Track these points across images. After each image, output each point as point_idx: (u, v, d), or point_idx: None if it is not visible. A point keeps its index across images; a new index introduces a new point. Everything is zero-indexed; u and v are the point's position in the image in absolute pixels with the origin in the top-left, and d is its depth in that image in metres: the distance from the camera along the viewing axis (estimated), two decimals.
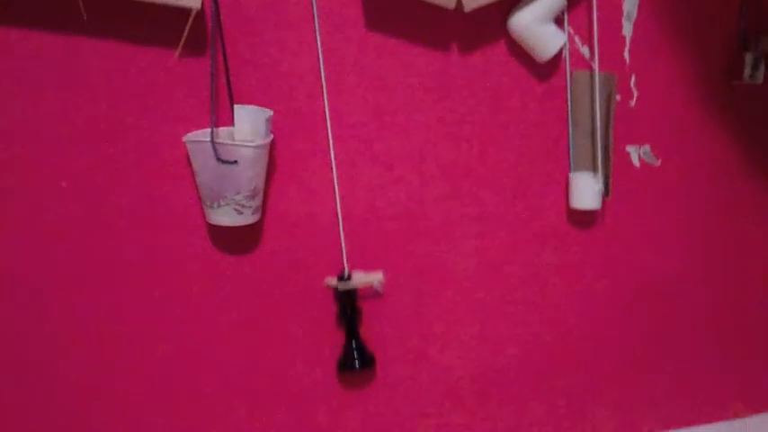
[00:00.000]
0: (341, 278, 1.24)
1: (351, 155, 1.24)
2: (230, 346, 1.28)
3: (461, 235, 1.30)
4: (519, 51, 1.24)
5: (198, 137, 1.18)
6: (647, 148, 1.31)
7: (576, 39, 1.25)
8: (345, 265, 1.26)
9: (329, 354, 1.31)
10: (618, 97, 1.28)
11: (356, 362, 1.26)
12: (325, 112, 1.21)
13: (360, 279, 1.25)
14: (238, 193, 1.17)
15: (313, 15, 1.18)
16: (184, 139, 1.17)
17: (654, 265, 1.37)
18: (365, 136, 1.24)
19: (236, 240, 1.25)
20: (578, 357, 1.41)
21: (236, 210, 1.18)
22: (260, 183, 1.19)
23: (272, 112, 1.18)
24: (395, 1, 1.18)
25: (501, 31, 1.23)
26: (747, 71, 1.27)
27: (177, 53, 1.17)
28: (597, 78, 1.25)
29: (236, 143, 1.15)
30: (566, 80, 1.26)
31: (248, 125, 1.16)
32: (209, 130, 1.16)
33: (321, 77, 1.20)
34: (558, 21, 1.23)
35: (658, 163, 1.32)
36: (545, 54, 1.22)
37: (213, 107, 1.19)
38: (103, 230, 1.21)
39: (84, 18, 1.14)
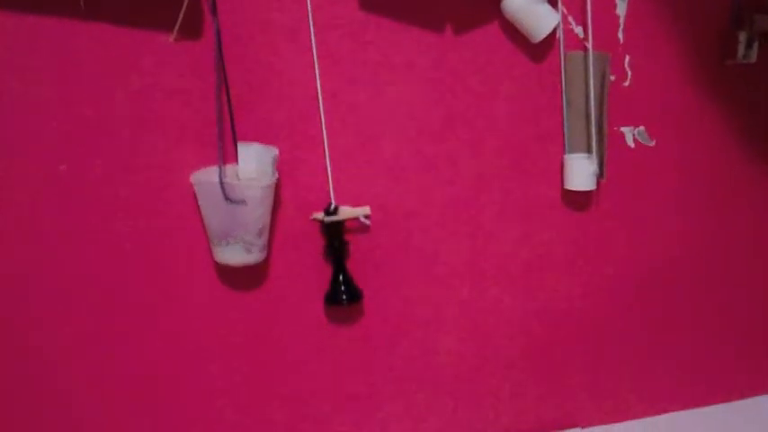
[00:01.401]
0: (327, 211, 1.23)
1: (343, 127, 1.22)
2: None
3: (454, 218, 1.29)
4: (513, 32, 1.22)
5: (206, 176, 1.16)
6: (641, 128, 1.30)
7: (570, 18, 1.24)
8: (332, 198, 1.24)
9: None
10: (612, 77, 1.27)
11: (344, 296, 1.25)
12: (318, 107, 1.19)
13: (346, 212, 1.24)
14: (247, 232, 1.16)
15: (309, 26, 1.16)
16: (192, 179, 1.17)
17: (649, 245, 1.37)
18: (362, 114, 1.22)
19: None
20: (573, 335, 1.40)
21: (245, 248, 1.18)
22: (267, 220, 1.19)
23: (277, 151, 1.18)
24: None
25: (495, 12, 1.21)
26: (741, 50, 1.27)
27: (173, 37, 1.14)
28: (591, 58, 1.24)
29: (245, 184, 1.14)
30: (560, 60, 1.25)
31: (254, 164, 1.16)
32: (215, 168, 1.16)
33: (316, 78, 1.18)
34: (552, 0, 1.21)
35: (653, 143, 1.31)
36: (539, 34, 1.20)
37: (221, 147, 1.17)
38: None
39: (82, 6, 1.12)
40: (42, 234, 1.18)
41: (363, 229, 1.27)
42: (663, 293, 1.41)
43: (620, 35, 1.26)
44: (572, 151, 1.28)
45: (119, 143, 1.17)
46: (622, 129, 1.30)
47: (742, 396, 1.52)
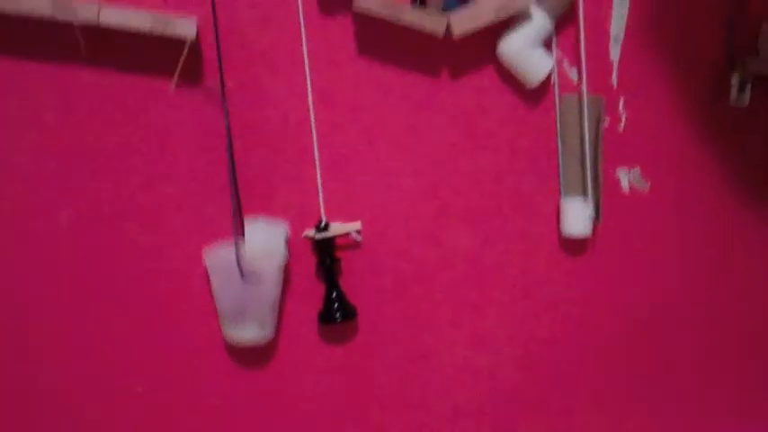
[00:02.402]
0: (318, 228, 1.22)
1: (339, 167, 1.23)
2: None
3: (451, 264, 1.30)
4: (508, 76, 1.23)
5: (220, 254, 1.17)
6: (636, 171, 1.31)
7: (565, 62, 1.25)
8: (323, 214, 1.23)
9: None
10: (607, 120, 1.28)
11: (337, 314, 1.23)
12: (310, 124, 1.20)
13: (337, 228, 1.23)
14: (262, 310, 1.17)
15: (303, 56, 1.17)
16: (205, 257, 1.18)
17: (646, 289, 1.36)
18: (357, 160, 1.24)
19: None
20: (569, 383, 1.39)
21: (259, 325, 1.19)
22: (279, 293, 1.20)
23: (288, 229, 1.20)
24: (386, 29, 1.17)
25: (490, 57, 1.22)
26: (734, 93, 1.28)
27: (173, 84, 1.16)
28: (586, 102, 1.25)
29: (263, 261, 1.16)
30: (555, 104, 1.26)
31: (264, 240, 1.18)
32: (228, 245, 1.17)
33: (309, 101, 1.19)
34: (547, 45, 1.23)
35: (648, 186, 1.32)
36: (534, 79, 1.21)
37: (237, 224, 1.17)
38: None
39: (83, 52, 1.13)
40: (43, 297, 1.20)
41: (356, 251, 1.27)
42: (660, 338, 1.40)
43: (614, 79, 1.27)
44: (568, 194, 1.29)
45: (115, 201, 1.20)
46: (618, 172, 1.30)
47: None
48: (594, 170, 1.28)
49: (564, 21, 1.23)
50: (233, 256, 1.14)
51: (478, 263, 1.30)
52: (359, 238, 1.25)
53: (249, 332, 1.19)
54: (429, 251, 1.29)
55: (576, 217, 1.27)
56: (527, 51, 1.20)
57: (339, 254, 1.24)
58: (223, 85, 1.16)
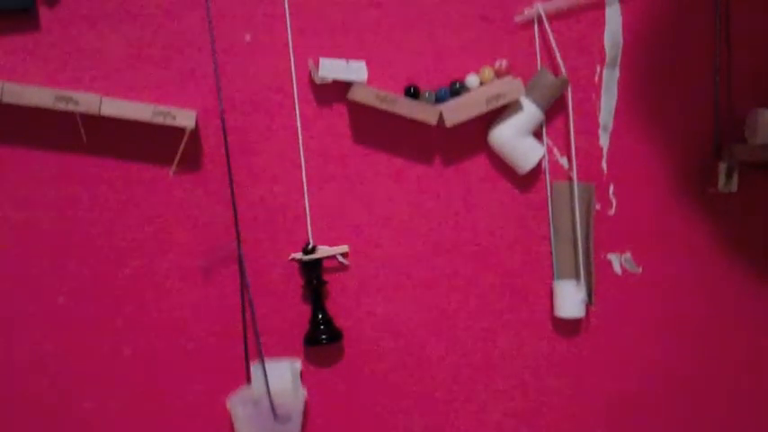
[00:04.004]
0: (305, 251, 1.23)
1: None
2: None
3: (447, 342, 1.30)
4: (500, 163, 1.26)
5: (243, 398, 1.20)
6: (627, 255, 1.32)
7: (555, 150, 1.28)
8: (310, 237, 1.24)
9: None
10: (597, 206, 1.30)
11: (323, 336, 1.23)
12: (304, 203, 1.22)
13: (324, 251, 1.24)
14: None
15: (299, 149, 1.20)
16: (229, 404, 1.20)
17: (639, 371, 1.36)
18: (351, 246, 1.25)
19: None
20: None
21: None
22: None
23: (300, 365, 1.24)
24: (379, 117, 1.21)
25: (482, 145, 1.25)
26: (722, 180, 1.30)
27: (172, 171, 1.19)
28: (576, 188, 1.27)
29: (291, 400, 1.20)
30: (546, 190, 1.28)
31: (284, 381, 1.22)
32: (251, 390, 1.22)
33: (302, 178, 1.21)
34: (537, 134, 1.26)
35: (640, 270, 1.33)
36: (525, 166, 1.24)
37: (261, 365, 1.21)
38: None
39: (84, 141, 1.16)
40: None
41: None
42: (653, 421, 1.39)
43: (604, 165, 1.30)
44: (561, 278, 1.30)
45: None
46: (609, 256, 1.32)
47: None
48: (586, 254, 1.29)
49: (554, 110, 1.26)
50: (262, 400, 1.18)
51: (474, 355, 1.31)
52: (345, 261, 1.25)
53: None
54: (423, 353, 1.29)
55: (569, 300, 1.28)
56: (517, 140, 1.22)
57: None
58: (233, 192, 1.19)
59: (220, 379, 1.24)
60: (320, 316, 1.24)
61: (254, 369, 1.22)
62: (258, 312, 1.23)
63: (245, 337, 1.22)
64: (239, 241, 1.20)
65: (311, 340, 1.24)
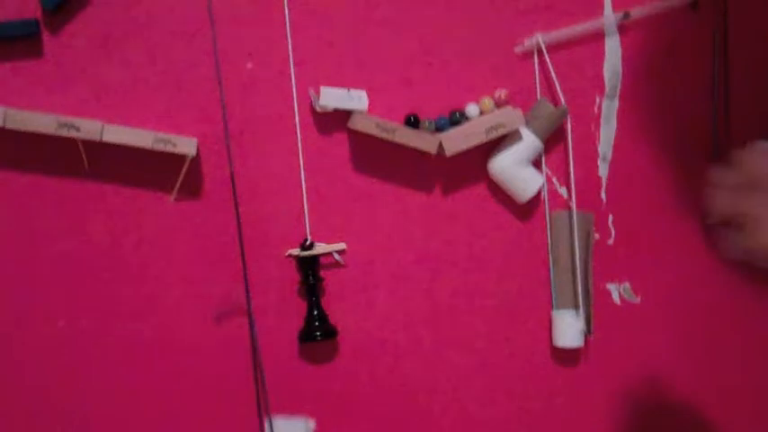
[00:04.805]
0: (303, 247, 1.22)
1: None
2: None
3: (443, 381, 1.30)
4: (499, 192, 1.27)
5: None
6: (626, 285, 1.32)
7: (554, 180, 1.29)
8: (308, 233, 1.23)
9: None
10: (596, 236, 1.30)
11: (317, 332, 1.22)
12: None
13: (321, 248, 1.23)
14: None
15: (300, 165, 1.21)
16: None
17: (639, 403, 1.36)
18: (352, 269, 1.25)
19: None
20: None
21: None
22: None
23: (312, 425, 1.24)
24: (380, 146, 1.21)
25: (482, 174, 1.26)
26: None
27: (173, 197, 1.19)
28: (575, 218, 1.28)
29: None
30: (545, 220, 1.29)
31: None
32: None
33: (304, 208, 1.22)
34: (536, 163, 1.27)
35: (638, 300, 1.33)
36: (524, 196, 1.25)
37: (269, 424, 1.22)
38: None
39: (86, 166, 1.17)
40: None
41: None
42: None
43: (603, 195, 1.30)
44: (559, 307, 1.30)
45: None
46: (608, 285, 1.32)
47: None
48: (585, 284, 1.29)
49: (553, 140, 1.27)
50: None
51: (470, 385, 1.31)
52: (341, 260, 1.25)
53: None
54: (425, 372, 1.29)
55: (568, 329, 1.28)
56: (517, 170, 1.23)
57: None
58: (239, 221, 1.20)
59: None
60: (315, 312, 1.23)
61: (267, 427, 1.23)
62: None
63: (258, 395, 1.22)
64: (246, 273, 1.20)
65: (306, 336, 1.24)
